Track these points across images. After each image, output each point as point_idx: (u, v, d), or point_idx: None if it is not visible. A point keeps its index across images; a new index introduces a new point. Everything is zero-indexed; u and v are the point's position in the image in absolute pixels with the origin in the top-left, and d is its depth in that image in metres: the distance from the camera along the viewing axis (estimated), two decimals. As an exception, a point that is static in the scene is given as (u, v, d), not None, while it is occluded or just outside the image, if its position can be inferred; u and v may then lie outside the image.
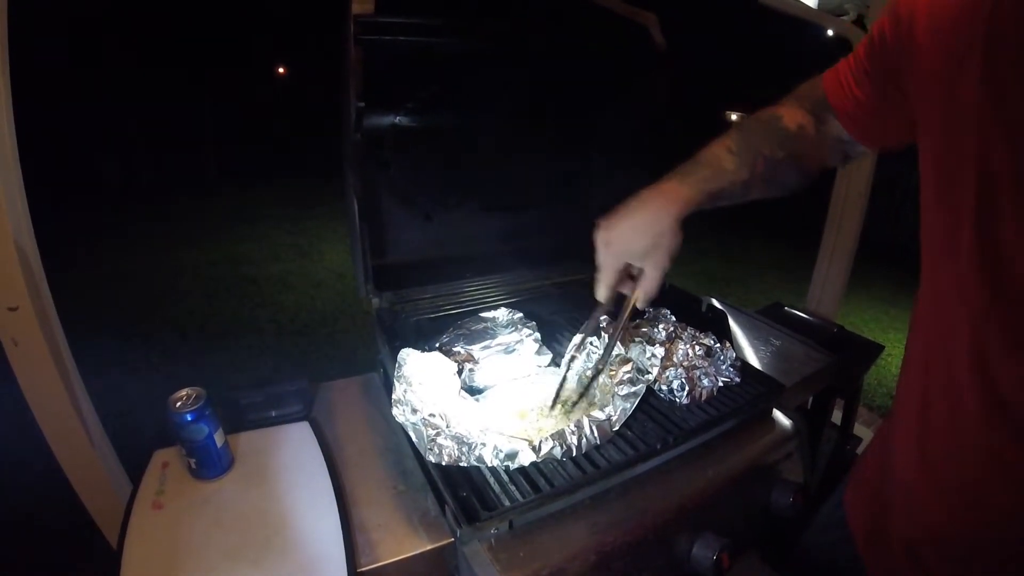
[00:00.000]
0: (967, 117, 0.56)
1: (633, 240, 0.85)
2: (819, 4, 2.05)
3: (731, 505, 0.98)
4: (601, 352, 1.05)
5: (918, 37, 0.63)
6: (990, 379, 0.58)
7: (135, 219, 6.93)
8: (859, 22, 2.03)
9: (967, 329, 0.60)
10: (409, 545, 0.83)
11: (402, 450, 1.03)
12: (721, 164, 0.86)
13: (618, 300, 0.94)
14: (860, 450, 1.83)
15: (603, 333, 1.09)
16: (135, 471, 0.97)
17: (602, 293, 0.91)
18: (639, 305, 0.92)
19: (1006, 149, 0.53)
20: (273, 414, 1.08)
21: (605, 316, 1.10)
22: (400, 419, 0.87)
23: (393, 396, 0.91)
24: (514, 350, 1.17)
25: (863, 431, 2.01)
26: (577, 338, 1.08)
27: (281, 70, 12.77)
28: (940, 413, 0.67)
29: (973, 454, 0.63)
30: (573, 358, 1.08)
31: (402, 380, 0.94)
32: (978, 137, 0.55)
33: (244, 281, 4.87)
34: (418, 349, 1.04)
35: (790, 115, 0.87)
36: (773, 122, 0.88)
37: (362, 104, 1.05)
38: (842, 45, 2.06)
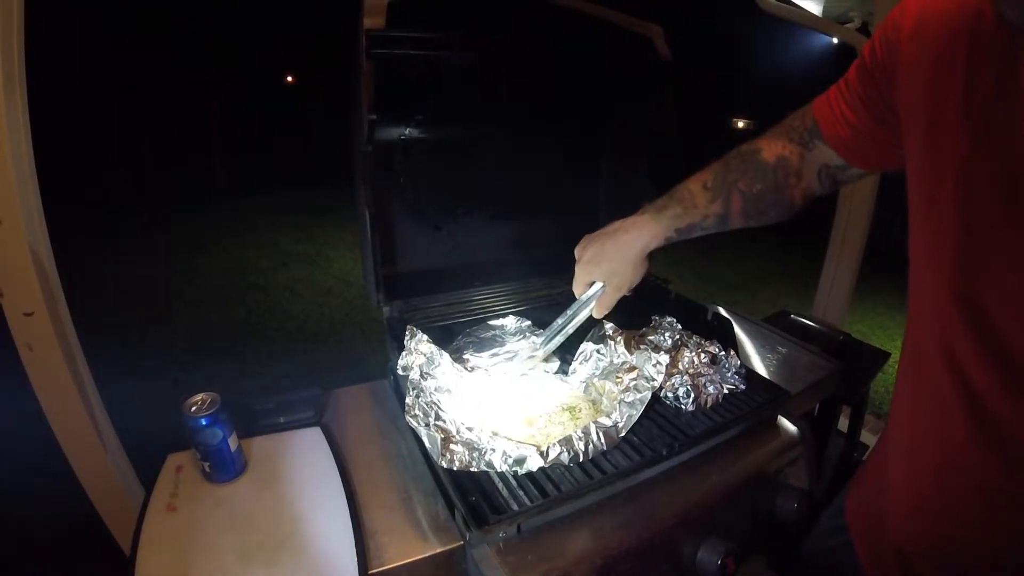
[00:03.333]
0: (949, 135, 0.58)
1: (600, 264, 0.99)
2: (824, 12, 2.06)
3: (736, 511, 0.99)
4: (607, 356, 1.08)
5: (903, 60, 0.65)
6: (971, 394, 0.59)
7: (145, 226, 7.00)
8: (864, 30, 2.04)
9: (945, 342, 0.62)
10: (419, 548, 0.84)
11: (412, 455, 1.04)
12: (694, 201, 0.93)
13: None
14: (866, 457, 1.83)
15: (610, 341, 1.10)
16: (146, 475, 0.98)
17: (577, 292, 1.06)
18: (594, 314, 1.06)
19: (987, 168, 0.54)
20: (285, 420, 1.10)
21: (611, 325, 1.13)
22: (412, 424, 0.89)
23: (406, 402, 0.92)
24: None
25: (870, 438, 2.00)
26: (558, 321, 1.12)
27: (290, 78, 12.86)
28: (925, 420, 0.68)
29: (958, 469, 0.64)
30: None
31: (414, 387, 0.96)
32: (959, 155, 0.56)
33: (253, 289, 4.90)
34: (429, 357, 1.06)
35: (770, 148, 0.90)
36: (751, 156, 0.91)
37: (374, 116, 1.07)
38: (847, 53, 2.07)
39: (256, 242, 6.45)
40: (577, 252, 1.03)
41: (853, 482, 0.93)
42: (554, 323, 1.12)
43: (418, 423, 0.89)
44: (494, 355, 1.19)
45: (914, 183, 0.66)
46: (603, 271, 0.99)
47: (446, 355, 1.08)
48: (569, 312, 1.08)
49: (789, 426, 1.11)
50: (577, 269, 1.03)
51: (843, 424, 1.75)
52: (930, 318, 0.65)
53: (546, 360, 1.18)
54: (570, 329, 1.10)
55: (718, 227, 0.94)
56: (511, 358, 1.18)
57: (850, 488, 0.93)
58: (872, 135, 0.77)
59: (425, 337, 1.07)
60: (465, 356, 1.18)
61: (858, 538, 0.85)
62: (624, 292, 1.02)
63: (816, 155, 0.86)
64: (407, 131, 1.27)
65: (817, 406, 1.49)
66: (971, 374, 0.59)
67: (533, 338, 1.19)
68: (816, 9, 2.03)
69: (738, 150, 0.93)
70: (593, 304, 1.04)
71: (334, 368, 3.55)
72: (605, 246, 0.98)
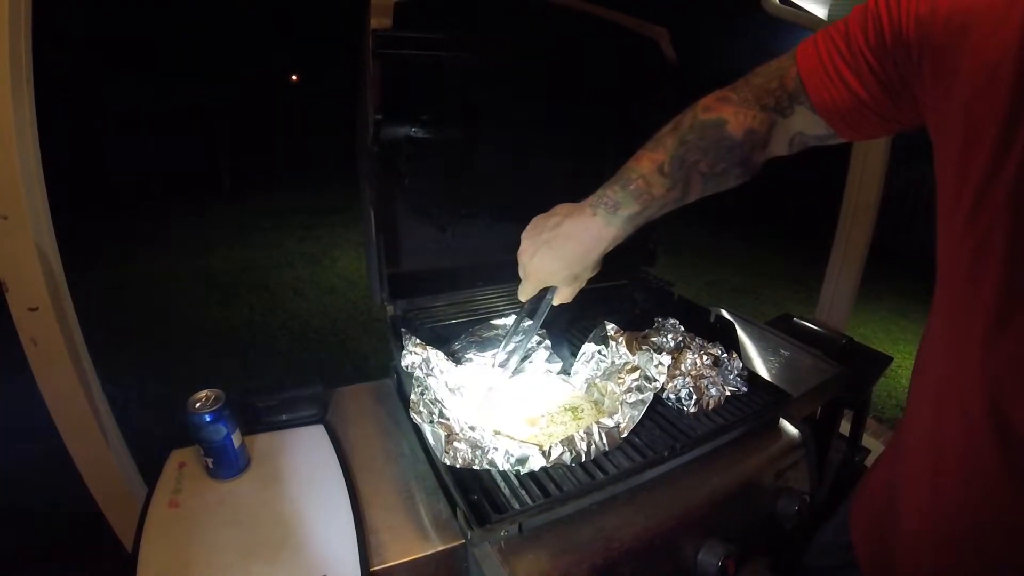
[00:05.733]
0: (997, 143, 0.51)
1: (553, 272, 0.91)
2: (828, 15, 2.05)
3: (737, 513, 0.99)
4: (606, 359, 1.08)
5: (940, 43, 0.56)
6: (1006, 427, 0.55)
7: (150, 225, 7.02)
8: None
9: (985, 375, 0.56)
10: (420, 546, 0.84)
11: (414, 454, 1.05)
12: (651, 192, 0.82)
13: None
14: (868, 461, 1.83)
15: (611, 342, 1.10)
16: (149, 471, 0.99)
17: (524, 297, 0.99)
18: (554, 302, 1.00)
19: None
20: (288, 417, 1.10)
21: (612, 325, 1.13)
22: (416, 420, 0.90)
23: (411, 399, 0.93)
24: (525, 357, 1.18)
25: (872, 442, 2.00)
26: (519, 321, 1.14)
27: (295, 77, 12.88)
28: (953, 454, 0.63)
29: (988, 508, 0.60)
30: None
31: (419, 384, 0.96)
32: (1010, 166, 0.50)
33: (257, 288, 4.91)
34: (426, 359, 1.06)
35: (737, 119, 0.77)
36: (714, 130, 0.79)
37: (379, 117, 1.07)
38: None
39: (261, 241, 6.47)
40: (522, 263, 0.94)
41: (857, 495, 0.89)
42: (513, 337, 1.13)
43: (422, 419, 0.89)
44: (496, 355, 1.19)
45: (948, 198, 0.59)
46: (559, 279, 0.93)
47: (441, 355, 1.09)
48: (532, 322, 1.07)
49: (791, 429, 1.11)
50: (529, 276, 0.94)
51: (845, 428, 1.75)
52: (967, 347, 0.58)
53: (548, 361, 1.19)
54: (528, 342, 1.11)
55: (674, 207, 0.86)
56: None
57: (854, 501, 0.89)
58: (876, 106, 0.67)
59: (417, 340, 1.08)
60: (468, 356, 1.19)
61: (864, 557, 0.82)
62: (582, 285, 0.97)
63: (792, 122, 0.75)
64: (413, 131, 1.27)
65: (819, 410, 1.49)
66: (1012, 411, 0.54)
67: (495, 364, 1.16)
68: (821, 12, 2.03)
69: (697, 119, 0.80)
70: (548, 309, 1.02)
71: (338, 367, 3.55)
72: (556, 256, 0.89)
